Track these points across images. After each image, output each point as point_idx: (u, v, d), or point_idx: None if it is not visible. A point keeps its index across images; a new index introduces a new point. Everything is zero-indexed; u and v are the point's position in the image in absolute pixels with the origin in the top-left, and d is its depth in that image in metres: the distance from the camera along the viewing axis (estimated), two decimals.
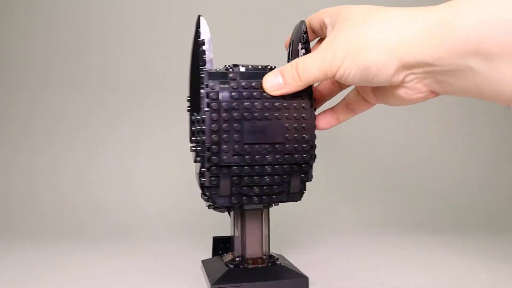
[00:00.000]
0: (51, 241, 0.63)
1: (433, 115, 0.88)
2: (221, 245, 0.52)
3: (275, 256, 0.46)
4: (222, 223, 0.54)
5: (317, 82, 0.38)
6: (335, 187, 0.79)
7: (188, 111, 0.42)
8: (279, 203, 0.44)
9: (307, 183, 0.42)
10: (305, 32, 0.44)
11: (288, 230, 0.67)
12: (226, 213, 0.48)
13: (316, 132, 0.42)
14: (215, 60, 0.51)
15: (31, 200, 0.77)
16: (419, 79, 0.34)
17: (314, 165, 0.43)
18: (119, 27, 0.84)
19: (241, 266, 0.44)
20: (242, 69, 0.40)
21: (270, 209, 0.47)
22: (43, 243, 0.62)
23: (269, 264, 0.44)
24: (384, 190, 0.80)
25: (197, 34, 0.42)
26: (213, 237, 0.52)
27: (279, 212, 0.67)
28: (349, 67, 0.35)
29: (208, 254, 0.53)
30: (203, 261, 0.49)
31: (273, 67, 0.44)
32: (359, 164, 0.82)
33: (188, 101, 0.42)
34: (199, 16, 0.43)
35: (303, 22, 0.44)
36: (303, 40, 0.44)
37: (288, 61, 0.47)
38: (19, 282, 0.46)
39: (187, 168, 0.42)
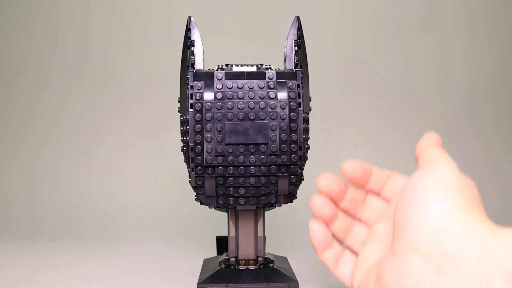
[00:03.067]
0: (51, 241, 0.64)
1: (434, 115, 0.84)
2: (224, 244, 0.52)
3: (270, 258, 0.45)
4: (223, 223, 0.54)
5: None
6: None
7: (179, 111, 0.42)
8: (276, 206, 0.43)
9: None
10: (299, 29, 0.43)
11: (298, 232, 0.66)
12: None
13: (315, 132, 0.41)
14: (212, 59, 0.51)
15: (30, 200, 0.78)
16: (419, 270, 0.26)
17: (316, 166, 0.42)
18: (118, 27, 0.85)
19: (232, 267, 0.43)
20: (230, 69, 0.40)
21: (280, 210, 0.47)
22: (42, 243, 0.63)
23: (261, 266, 0.43)
24: None
25: (187, 35, 0.43)
26: (217, 236, 0.53)
27: (288, 214, 0.66)
28: None
29: (208, 253, 0.53)
30: (204, 260, 0.50)
31: (269, 66, 0.43)
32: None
33: (179, 101, 0.42)
34: (189, 17, 0.43)
35: (297, 18, 0.44)
36: (296, 37, 0.43)
37: (284, 59, 0.46)
38: (18, 282, 0.46)
39: (185, 168, 0.43)
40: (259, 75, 0.40)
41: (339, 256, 0.35)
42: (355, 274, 0.33)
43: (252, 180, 0.39)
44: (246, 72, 0.40)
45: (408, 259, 0.26)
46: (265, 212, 0.46)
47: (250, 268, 0.43)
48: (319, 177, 0.35)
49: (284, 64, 0.46)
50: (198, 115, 0.39)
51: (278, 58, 0.50)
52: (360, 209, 0.35)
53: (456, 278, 0.23)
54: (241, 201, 0.40)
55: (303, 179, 0.42)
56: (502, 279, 0.22)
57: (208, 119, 0.38)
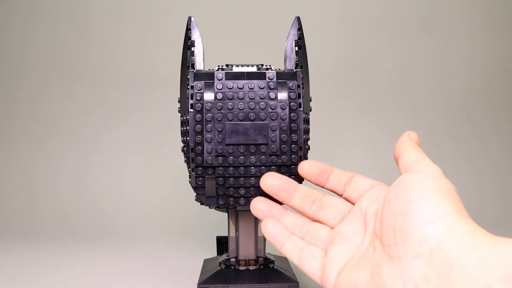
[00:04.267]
0: (50, 241, 0.65)
1: (434, 115, 0.84)
2: (225, 245, 0.52)
3: (270, 259, 0.45)
4: (224, 223, 0.54)
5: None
6: None
7: (179, 112, 0.42)
8: None
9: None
10: (299, 29, 0.43)
11: None
12: None
13: (314, 133, 0.41)
14: (212, 59, 0.51)
15: (30, 200, 0.79)
16: (421, 276, 0.27)
17: None
18: (118, 27, 0.85)
19: (232, 267, 0.43)
20: (230, 70, 0.40)
21: None
22: (41, 243, 0.63)
23: (261, 266, 0.43)
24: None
25: (187, 35, 0.43)
26: (217, 236, 0.53)
27: None
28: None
29: (209, 253, 0.53)
30: (205, 260, 0.50)
31: (269, 66, 0.43)
32: (361, 164, 0.79)
33: (179, 102, 0.42)
34: (189, 17, 0.43)
35: (297, 18, 0.44)
36: (297, 37, 0.43)
37: (285, 60, 0.46)
38: (18, 282, 0.46)
39: (186, 168, 0.43)
40: (259, 75, 0.40)
41: (301, 250, 0.35)
42: (327, 274, 0.33)
43: (252, 181, 0.39)
44: (246, 72, 0.40)
45: (411, 265, 0.26)
46: None
47: (250, 268, 0.43)
48: (264, 176, 0.37)
49: (285, 65, 0.46)
50: (198, 115, 0.39)
51: (279, 58, 0.50)
52: (316, 208, 0.36)
53: (456, 282, 0.24)
54: (241, 201, 0.40)
55: (303, 180, 0.42)
56: (500, 281, 0.22)
57: (208, 120, 0.38)
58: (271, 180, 0.37)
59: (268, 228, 0.35)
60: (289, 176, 0.40)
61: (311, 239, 0.35)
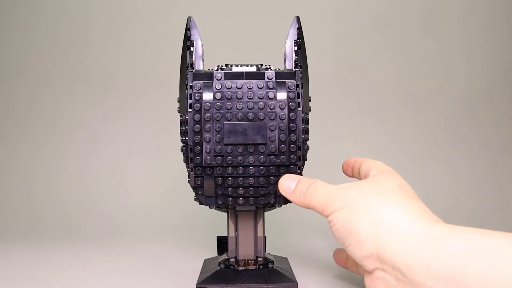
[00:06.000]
0: (50, 241, 0.65)
1: (434, 115, 0.84)
2: (225, 244, 0.52)
3: (270, 259, 0.45)
4: (224, 223, 0.54)
5: (316, 211, 0.38)
6: None
7: (178, 111, 0.42)
8: (277, 206, 0.43)
9: None
10: (299, 29, 0.43)
11: (298, 232, 0.66)
12: None
13: (314, 133, 0.41)
14: (211, 59, 0.51)
15: (30, 200, 0.79)
16: (385, 282, 0.31)
17: (316, 167, 0.42)
18: (118, 27, 0.85)
19: (231, 267, 0.43)
20: (229, 69, 0.40)
21: (280, 210, 0.47)
22: (42, 243, 0.63)
23: (260, 266, 0.43)
24: None
25: (186, 35, 0.43)
26: (217, 236, 0.52)
27: (291, 214, 0.66)
28: (338, 221, 0.34)
29: (209, 253, 0.53)
30: (205, 260, 0.50)
31: (269, 66, 0.43)
32: None
33: (178, 101, 0.42)
34: (189, 17, 0.43)
35: (297, 18, 0.44)
36: (296, 37, 0.43)
37: (284, 59, 0.46)
38: (18, 282, 0.46)
39: (185, 168, 0.43)
40: (259, 75, 0.40)
41: None
42: None
43: (251, 181, 0.39)
44: (245, 72, 0.40)
45: (374, 273, 0.32)
46: (266, 213, 0.46)
47: (250, 268, 0.43)
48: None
49: (284, 64, 0.46)
50: (197, 115, 0.39)
51: (278, 58, 0.50)
52: None
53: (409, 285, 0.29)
54: (240, 201, 0.40)
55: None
56: (434, 282, 0.27)
57: (207, 120, 0.38)
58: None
59: None
60: None
61: None
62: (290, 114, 0.39)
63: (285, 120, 0.39)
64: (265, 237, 0.46)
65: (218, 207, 0.46)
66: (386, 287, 0.31)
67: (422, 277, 0.28)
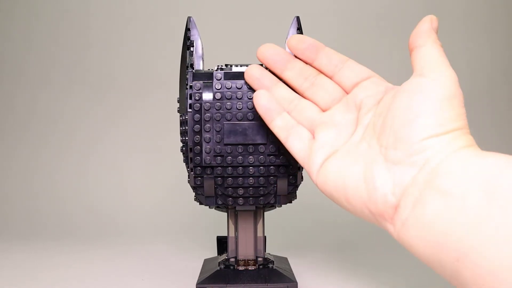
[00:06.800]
0: (50, 241, 0.64)
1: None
2: (225, 244, 0.52)
3: (270, 259, 0.45)
4: (224, 223, 0.54)
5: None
6: None
7: (178, 111, 0.42)
8: (277, 206, 0.43)
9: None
10: (299, 29, 0.43)
11: (298, 232, 0.66)
12: None
13: None
14: (211, 59, 0.51)
15: (30, 200, 0.79)
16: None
17: None
18: (118, 27, 0.85)
19: (231, 267, 0.43)
20: (229, 70, 0.40)
21: (280, 210, 0.47)
22: (42, 243, 0.63)
23: (260, 266, 0.43)
24: None
25: (186, 35, 0.43)
26: (217, 236, 0.52)
27: (291, 214, 0.66)
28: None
29: (209, 253, 0.53)
30: (205, 260, 0.50)
31: None
32: None
33: (178, 102, 0.42)
34: (189, 17, 0.43)
35: (297, 18, 0.44)
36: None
37: None
38: (19, 282, 0.46)
39: (185, 168, 0.43)
40: None
41: (290, 128, 0.34)
42: (313, 158, 0.33)
43: (251, 181, 0.39)
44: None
45: (404, 170, 0.27)
46: (266, 213, 0.46)
47: (249, 268, 0.43)
48: (261, 46, 0.36)
49: None
50: (197, 115, 0.39)
51: None
52: (307, 84, 0.35)
53: (439, 187, 0.25)
54: (240, 201, 0.40)
55: (302, 180, 0.42)
56: (477, 189, 0.23)
57: (207, 120, 0.38)
58: (266, 50, 0.36)
59: (261, 100, 0.35)
60: (288, 176, 0.40)
61: (299, 117, 0.35)
62: None
63: None
64: (265, 237, 0.46)
65: (218, 207, 0.46)
66: (408, 187, 0.27)
67: (458, 180, 0.24)
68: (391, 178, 0.28)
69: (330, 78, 0.35)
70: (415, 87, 0.29)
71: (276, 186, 0.40)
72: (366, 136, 0.31)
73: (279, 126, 0.35)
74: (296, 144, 0.34)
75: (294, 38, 0.36)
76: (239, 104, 0.38)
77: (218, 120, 0.38)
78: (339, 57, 0.35)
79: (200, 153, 0.39)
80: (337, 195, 0.31)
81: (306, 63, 0.36)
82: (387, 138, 0.29)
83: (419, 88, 0.28)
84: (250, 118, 0.38)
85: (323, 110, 0.35)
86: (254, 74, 0.37)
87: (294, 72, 0.36)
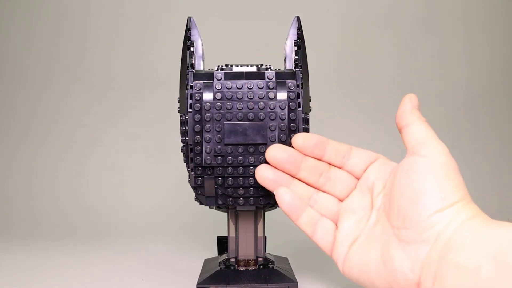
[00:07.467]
0: (50, 241, 0.64)
1: (434, 115, 0.85)
2: (225, 244, 0.52)
3: (270, 259, 0.45)
4: (224, 223, 0.54)
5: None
6: None
7: (179, 112, 0.42)
8: (277, 206, 0.43)
9: None
10: (299, 29, 0.43)
11: (298, 232, 0.66)
12: None
13: (315, 133, 0.41)
14: (212, 59, 0.51)
15: (30, 200, 0.79)
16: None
17: None
18: (118, 27, 0.85)
19: (232, 267, 0.43)
20: (229, 70, 0.40)
21: (280, 210, 0.46)
22: (42, 243, 0.63)
23: (261, 266, 0.43)
24: None
25: (187, 35, 0.43)
26: (218, 236, 0.52)
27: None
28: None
29: (209, 253, 0.53)
30: (205, 260, 0.50)
31: (269, 66, 0.43)
32: None
33: (178, 102, 0.42)
34: (189, 17, 0.43)
35: (297, 18, 0.44)
36: (296, 37, 0.43)
37: (284, 59, 0.46)
38: (19, 282, 0.46)
39: (185, 168, 0.43)
40: (259, 75, 0.40)
41: (315, 223, 0.35)
42: (338, 249, 0.34)
43: (251, 181, 0.39)
44: (246, 72, 0.40)
45: (419, 248, 0.29)
46: (266, 213, 0.46)
47: (250, 268, 0.43)
48: (269, 148, 0.37)
49: (284, 64, 0.46)
50: (197, 115, 0.39)
51: (278, 58, 0.50)
52: (323, 180, 0.36)
53: (452, 261, 0.26)
54: (240, 201, 0.40)
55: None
56: (490, 260, 0.24)
57: (207, 120, 0.38)
58: (277, 153, 0.36)
59: (285, 198, 0.35)
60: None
61: (321, 210, 0.36)
62: (291, 114, 0.39)
63: (285, 120, 0.39)
64: (265, 237, 0.46)
65: (218, 207, 0.46)
66: (425, 263, 0.28)
67: (470, 253, 0.26)
68: (407, 257, 0.29)
69: (340, 168, 0.37)
70: (411, 166, 0.30)
71: None
72: (380, 218, 0.32)
73: (305, 222, 0.36)
74: (323, 237, 0.35)
75: (299, 137, 0.37)
76: (240, 104, 0.38)
77: (219, 120, 0.38)
78: (344, 147, 0.37)
79: (200, 153, 0.39)
80: (362, 280, 0.32)
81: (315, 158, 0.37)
82: (397, 219, 0.30)
83: (415, 167, 0.30)
84: (251, 118, 0.38)
85: (341, 200, 0.36)
86: (267, 176, 0.37)
87: (308, 171, 0.37)
